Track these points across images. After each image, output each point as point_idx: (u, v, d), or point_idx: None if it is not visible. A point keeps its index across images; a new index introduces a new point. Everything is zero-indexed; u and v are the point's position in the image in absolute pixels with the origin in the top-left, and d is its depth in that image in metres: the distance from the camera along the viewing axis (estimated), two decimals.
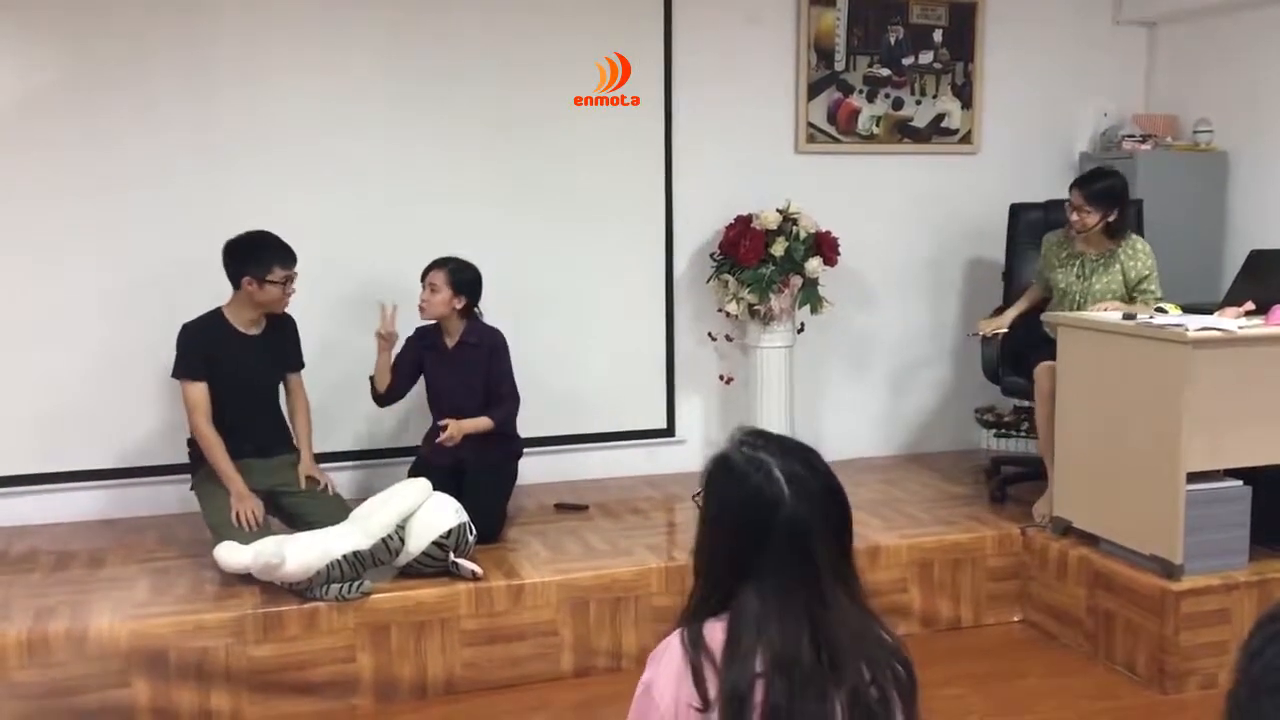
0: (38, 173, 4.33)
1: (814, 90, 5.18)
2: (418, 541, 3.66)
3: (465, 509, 3.78)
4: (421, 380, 4.33)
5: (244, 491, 3.85)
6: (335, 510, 3.89)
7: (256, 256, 3.87)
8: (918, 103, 5.34)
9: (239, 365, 3.92)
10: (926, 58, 5.32)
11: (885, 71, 5.27)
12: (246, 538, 3.68)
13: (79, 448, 4.43)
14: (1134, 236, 4.38)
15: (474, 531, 3.77)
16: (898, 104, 5.30)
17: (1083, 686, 3.73)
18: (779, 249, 4.74)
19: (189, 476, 4.05)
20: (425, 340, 4.28)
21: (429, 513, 3.70)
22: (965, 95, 5.40)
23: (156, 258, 4.42)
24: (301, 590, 3.54)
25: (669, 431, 5.16)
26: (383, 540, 3.62)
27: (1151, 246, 4.34)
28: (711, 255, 4.98)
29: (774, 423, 4.78)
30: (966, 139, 5.43)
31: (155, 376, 4.34)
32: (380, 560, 3.64)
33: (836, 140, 5.25)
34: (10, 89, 4.29)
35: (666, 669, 1.56)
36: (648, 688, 1.58)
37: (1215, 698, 1.05)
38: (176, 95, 4.42)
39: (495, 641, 3.70)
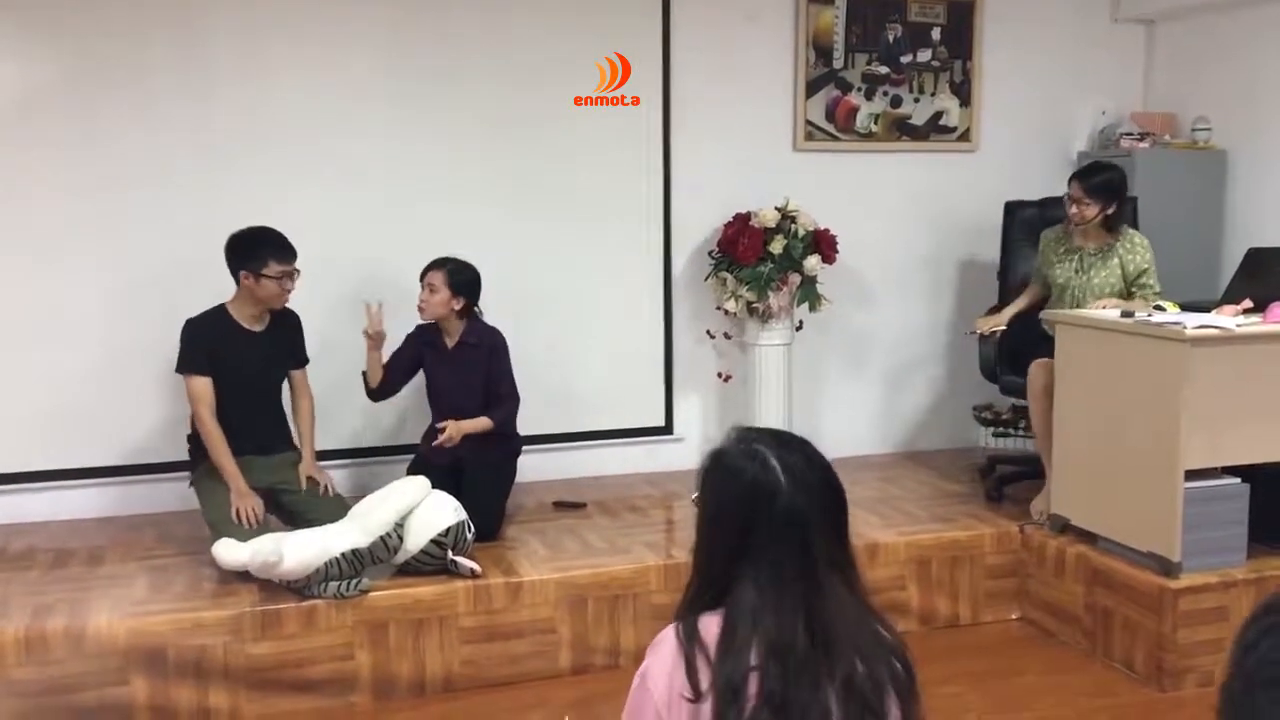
0: (38, 172, 4.33)
1: (812, 88, 5.18)
2: (416, 539, 3.66)
3: (464, 507, 3.78)
4: (419, 378, 4.34)
5: (244, 489, 3.85)
6: (334, 508, 3.88)
7: (253, 251, 3.87)
8: (916, 101, 5.34)
9: (242, 361, 3.92)
10: (925, 56, 5.32)
11: (884, 69, 5.27)
12: (245, 535, 3.68)
13: (79, 446, 4.43)
14: (1131, 231, 4.39)
15: (472, 529, 3.78)
16: (896, 102, 5.30)
17: (1081, 684, 3.74)
18: (777, 247, 4.74)
19: (188, 474, 4.05)
20: (425, 338, 4.28)
21: (428, 511, 3.70)
22: (964, 93, 5.40)
23: (156, 256, 4.42)
24: (300, 588, 3.54)
25: (667, 429, 5.16)
26: (381, 538, 3.62)
27: (1150, 246, 4.35)
28: (710, 253, 4.98)
29: (772, 420, 4.79)
30: (965, 137, 5.43)
31: (155, 375, 4.35)
32: (379, 558, 3.64)
33: (835, 138, 5.25)
34: (10, 88, 4.29)
35: (661, 660, 1.58)
36: (643, 678, 1.60)
37: (1213, 695, 1.05)
38: (176, 94, 4.41)
39: (493, 639, 3.70)
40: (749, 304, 4.82)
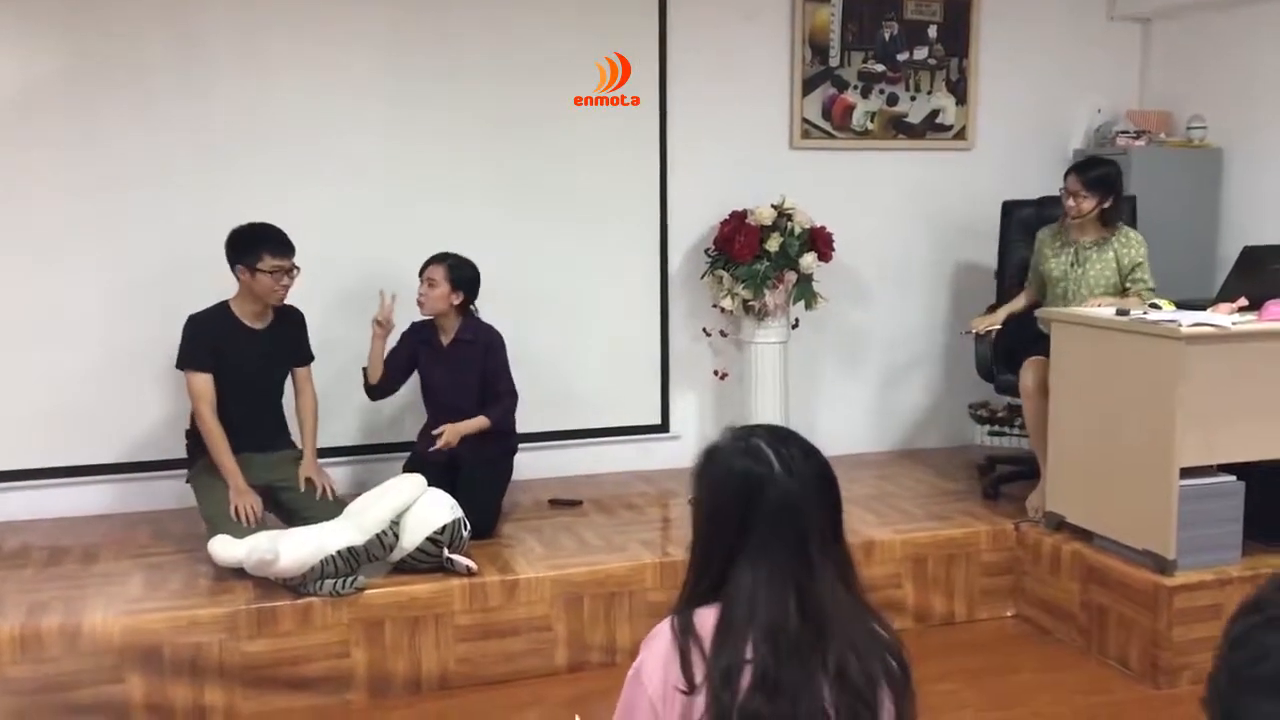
0: (38, 171, 4.33)
1: (809, 86, 5.18)
2: (412, 537, 3.66)
3: (460, 504, 3.78)
4: (416, 376, 4.33)
5: (243, 486, 3.84)
6: (331, 506, 3.89)
7: (249, 246, 3.87)
8: (912, 99, 5.34)
9: (244, 359, 3.91)
10: (921, 53, 5.32)
11: (880, 67, 5.27)
12: (241, 531, 3.68)
13: (79, 446, 4.43)
14: (1126, 227, 4.40)
15: (468, 527, 3.77)
16: (892, 100, 5.31)
17: (1076, 681, 3.74)
18: (774, 245, 4.74)
19: (185, 471, 4.05)
20: (420, 335, 4.28)
21: (424, 508, 3.70)
22: (960, 91, 5.40)
23: (156, 256, 4.42)
24: (295, 586, 3.54)
25: (664, 427, 5.17)
26: (377, 536, 3.62)
27: (1145, 241, 4.36)
28: (706, 251, 4.98)
29: (769, 418, 4.79)
30: (961, 135, 5.43)
31: (155, 374, 4.35)
32: (374, 556, 3.64)
33: (831, 136, 5.25)
34: (10, 88, 4.29)
35: (655, 653, 1.60)
36: (637, 673, 1.61)
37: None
38: (176, 93, 4.41)
39: (489, 637, 3.70)
40: (745, 302, 4.82)
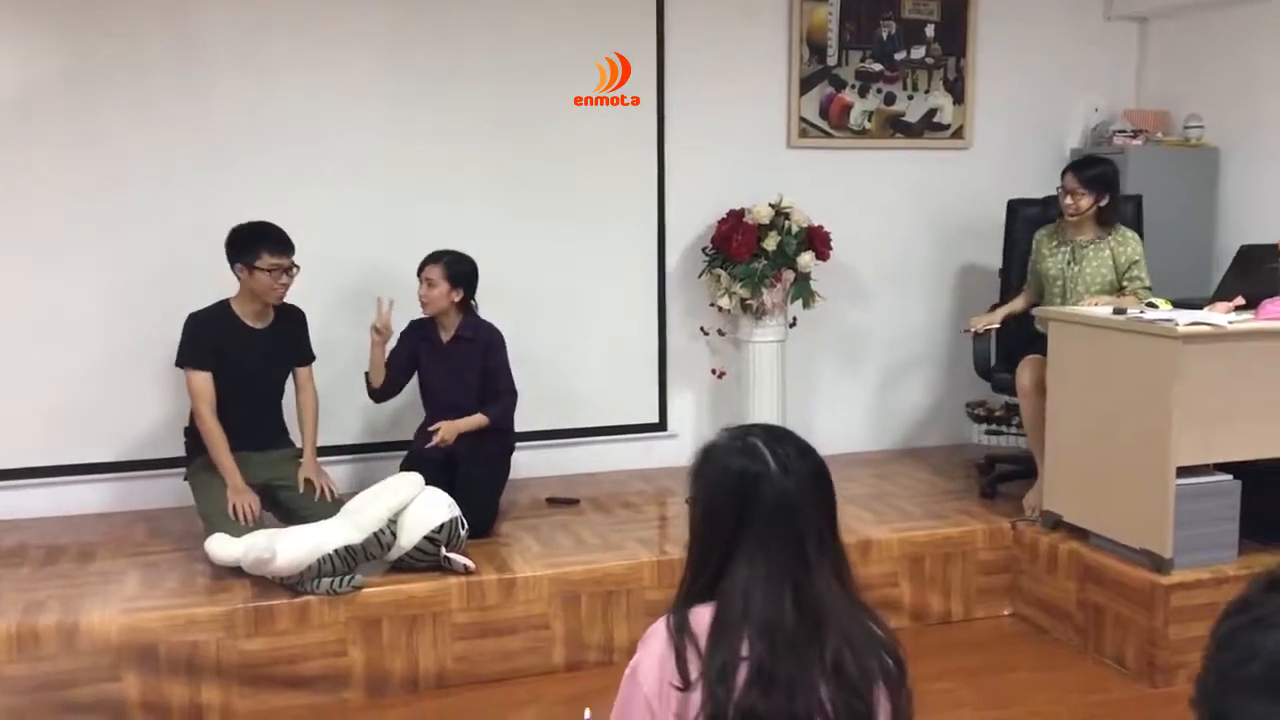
0: (38, 171, 4.33)
1: (806, 85, 5.19)
2: (409, 536, 3.66)
3: (457, 503, 3.78)
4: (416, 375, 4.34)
5: (241, 485, 3.85)
6: (330, 506, 3.89)
7: (248, 244, 3.87)
8: (910, 98, 5.34)
9: (244, 358, 3.92)
10: (918, 53, 5.33)
11: (877, 66, 5.27)
12: (238, 529, 3.68)
13: (78, 445, 4.44)
14: (1122, 226, 4.40)
15: (466, 526, 3.78)
16: (890, 99, 5.31)
17: (1073, 680, 3.75)
18: (771, 243, 4.74)
19: (183, 469, 4.05)
20: (420, 332, 4.28)
21: (421, 507, 3.71)
22: (957, 90, 5.40)
23: (156, 256, 4.43)
24: (293, 584, 3.54)
25: (661, 425, 5.17)
26: (374, 534, 3.62)
27: (1142, 241, 4.37)
28: (704, 250, 4.98)
29: (766, 417, 4.79)
30: (958, 134, 5.44)
31: (155, 374, 4.36)
32: (372, 554, 3.64)
33: (829, 135, 5.25)
34: (10, 88, 4.29)
35: (651, 652, 1.60)
36: (633, 671, 1.62)
37: None
38: (176, 93, 4.42)
39: (487, 635, 3.70)
40: (743, 300, 4.82)
